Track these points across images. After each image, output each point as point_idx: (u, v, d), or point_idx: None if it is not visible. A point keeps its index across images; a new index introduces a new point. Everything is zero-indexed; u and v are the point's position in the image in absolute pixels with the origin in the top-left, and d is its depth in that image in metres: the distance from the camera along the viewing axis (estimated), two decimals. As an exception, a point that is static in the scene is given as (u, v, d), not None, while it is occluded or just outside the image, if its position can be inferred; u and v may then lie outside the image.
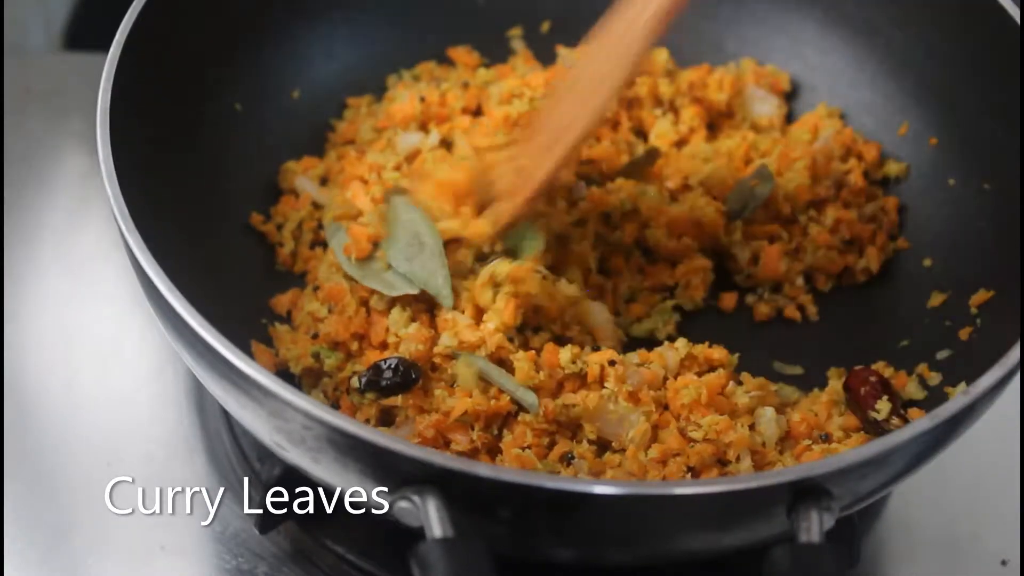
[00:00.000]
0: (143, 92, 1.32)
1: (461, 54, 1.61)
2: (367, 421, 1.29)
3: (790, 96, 1.60)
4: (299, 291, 1.41)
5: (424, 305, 1.36)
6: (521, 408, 1.29)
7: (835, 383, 1.36)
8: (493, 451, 1.28)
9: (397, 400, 1.29)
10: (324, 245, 1.44)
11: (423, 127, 1.52)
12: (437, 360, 1.31)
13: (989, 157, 1.44)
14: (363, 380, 1.29)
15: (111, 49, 1.30)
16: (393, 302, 1.36)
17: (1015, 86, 1.37)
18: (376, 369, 1.29)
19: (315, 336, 1.36)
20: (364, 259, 1.38)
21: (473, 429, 1.28)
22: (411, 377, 1.29)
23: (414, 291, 1.35)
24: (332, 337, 1.34)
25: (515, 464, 1.25)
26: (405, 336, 1.32)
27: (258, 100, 1.50)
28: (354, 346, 1.35)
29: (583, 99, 1.35)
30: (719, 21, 1.63)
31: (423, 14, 1.61)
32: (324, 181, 1.50)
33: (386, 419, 1.31)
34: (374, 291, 1.36)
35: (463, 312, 1.33)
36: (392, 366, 1.29)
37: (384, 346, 1.34)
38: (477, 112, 1.54)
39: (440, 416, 1.27)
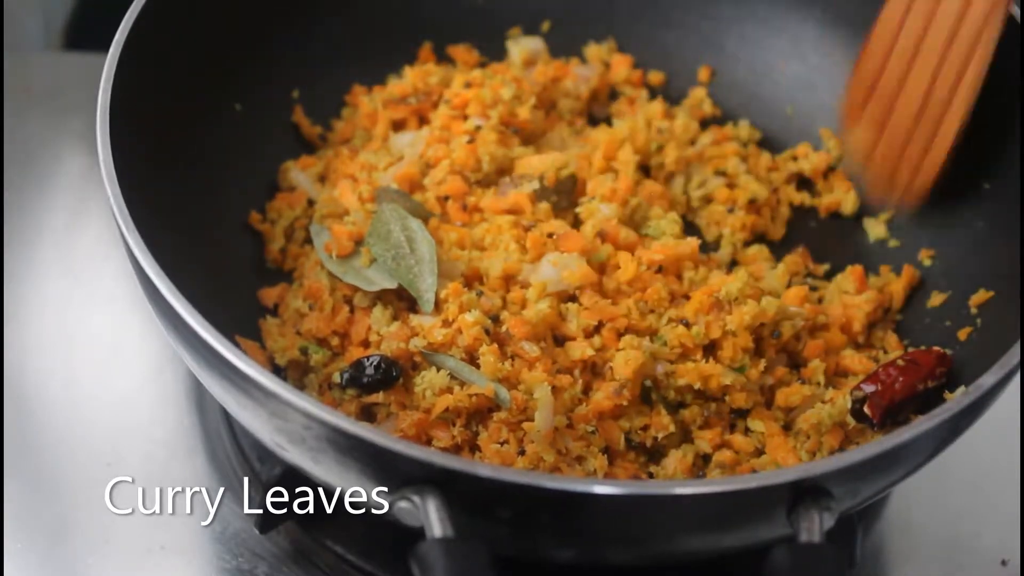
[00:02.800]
0: (143, 92, 1.32)
1: (461, 52, 1.61)
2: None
3: (790, 96, 1.60)
4: (287, 286, 1.42)
5: (405, 304, 1.37)
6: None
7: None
8: (473, 448, 1.28)
9: (379, 397, 1.30)
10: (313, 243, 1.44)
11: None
12: (417, 359, 1.32)
13: (989, 157, 1.44)
14: (345, 376, 1.30)
15: (111, 49, 1.30)
16: (375, 300, 1.36)
17: (1015, 86, 1.37)
18: (358, 366, 1.30)
19: (298, 332, 1.37)
20: (345, 256, 1.38)
21: (454, 425, 1.28)
22: (392, 375, 1.29)
23: (392, 285, 1.35)
24: (314, 334, 1.35)
25: (495, 460, 1.25)
26: (387, 334, 1.33)
27: (258, 100, 1.50)
28: (335, 342, 1.35)
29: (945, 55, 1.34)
30: (719, 21, 1.63)
31: (423, 14, 1.61)
32: (323, 180, 1.50)
33: (367, 416, 1.31)
34: (358, 289, 1.37)
35: (441, 312, 1.34)
36: (374, 364, 1.29)
37: (366, 344, 1.35)
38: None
39: (422, 414, 1.28)
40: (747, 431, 1.33)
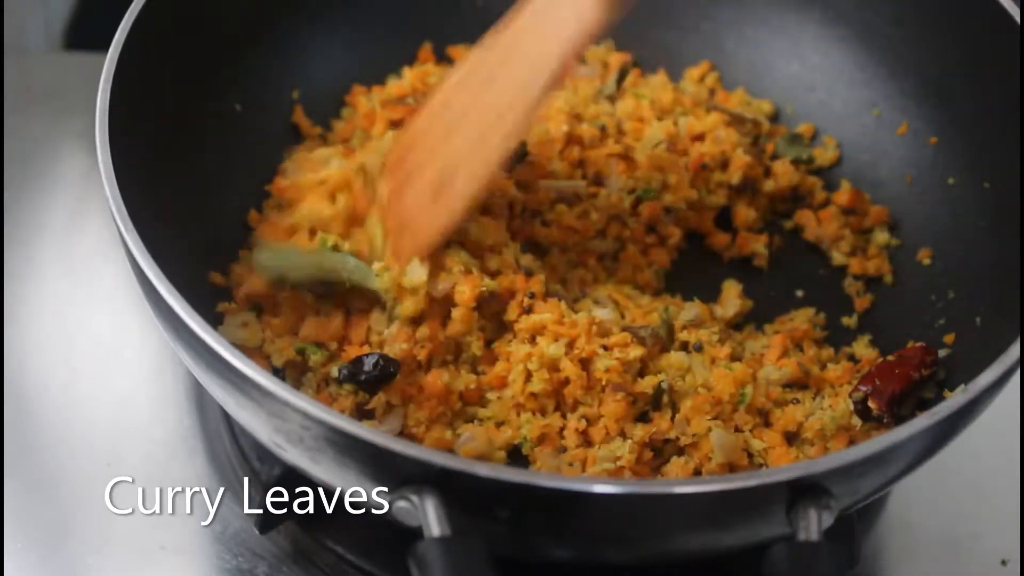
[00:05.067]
0: (143, 92, 1.32)
1: (461, 52, 1.61)
2: (342, 412, 1.29)
3: (790, 96, 1.60)
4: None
5: None
6: None
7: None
8: None
9: (379, 399, 1.30)
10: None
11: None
12: (421, 359, 1.32)
13: (989, 157, 1.44)
14: (343, 372, 1.30)
15: (111, 49, 1.30)
16: (373, 304, 1.36)
17: (1015, 86, 1.37)
18: (357, 362, 1.30)
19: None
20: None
21: None
22: (390, 371, 1.29)
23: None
24: (311, 339, 1.34)
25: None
26: (388, 337, 1.32)
27: (258, 100, 1.50)
28: (333, 346, 1.34)
29: (481, 131, 1.25)
30: (719, 21, 1.63)
31: (423, 14, 1.61)
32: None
33: (363, 414, 1.31)
34: (352, 292, 1.36)
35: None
36: (373, 361, 1.29)
37: (367, 345, 1.34)
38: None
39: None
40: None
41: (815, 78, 1.59)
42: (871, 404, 1.30)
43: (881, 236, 1.50)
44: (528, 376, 1.32)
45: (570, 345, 1.32)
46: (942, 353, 1.36)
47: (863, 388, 1.31)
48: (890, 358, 1.34)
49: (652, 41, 1.63)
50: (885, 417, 1.30)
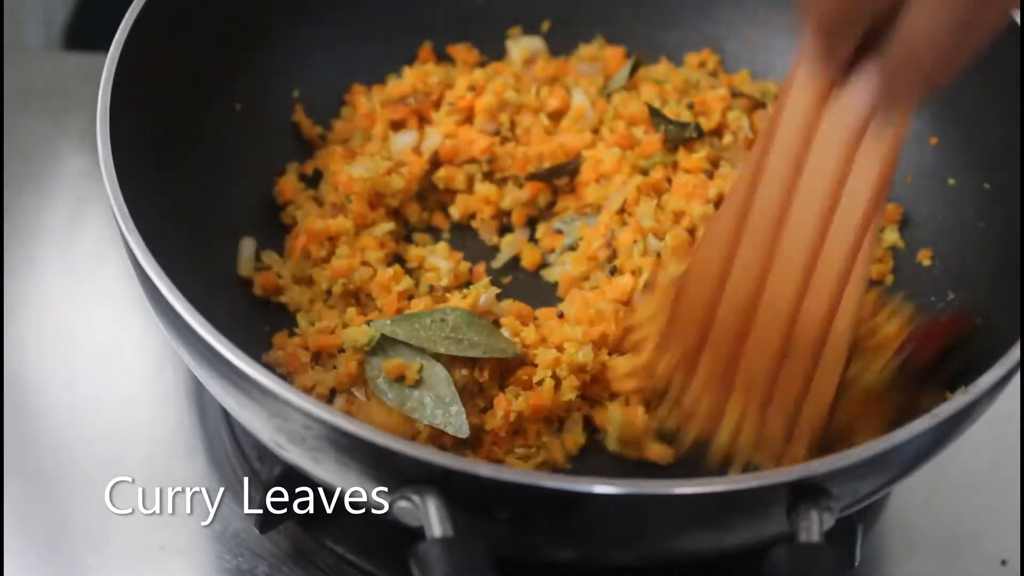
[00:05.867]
0: (143, 92, 1.32)
1: (461, 51, 1.61)
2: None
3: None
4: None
5: None
6: None
7: None
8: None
9: None
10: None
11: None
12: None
13: (989, 157, 1.44)
14: None
15: (111, 49, 1.30)
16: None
17: (1015, 86, 1.37)
18: None
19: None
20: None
21: None
22: None
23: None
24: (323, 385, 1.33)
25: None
26: None
27: (258, 100, 1.50)
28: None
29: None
30: (720, 22, 1.63)
31: (423, 14, 1.61)
32: (318, 175, 1.51)
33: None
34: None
35: None
36: None
37: None
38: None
39: None
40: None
41: (815, 78, 1.59)
42: (914, 361, 1.27)
43: (891, 236, 1.50)
44: (558, 384, 1.31)
45: (598, 344, 1.33)
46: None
47: (907, 346, 1.28)
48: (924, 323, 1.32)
49: (653, 42, 1.63)
50: (924, 379, 1.27)
